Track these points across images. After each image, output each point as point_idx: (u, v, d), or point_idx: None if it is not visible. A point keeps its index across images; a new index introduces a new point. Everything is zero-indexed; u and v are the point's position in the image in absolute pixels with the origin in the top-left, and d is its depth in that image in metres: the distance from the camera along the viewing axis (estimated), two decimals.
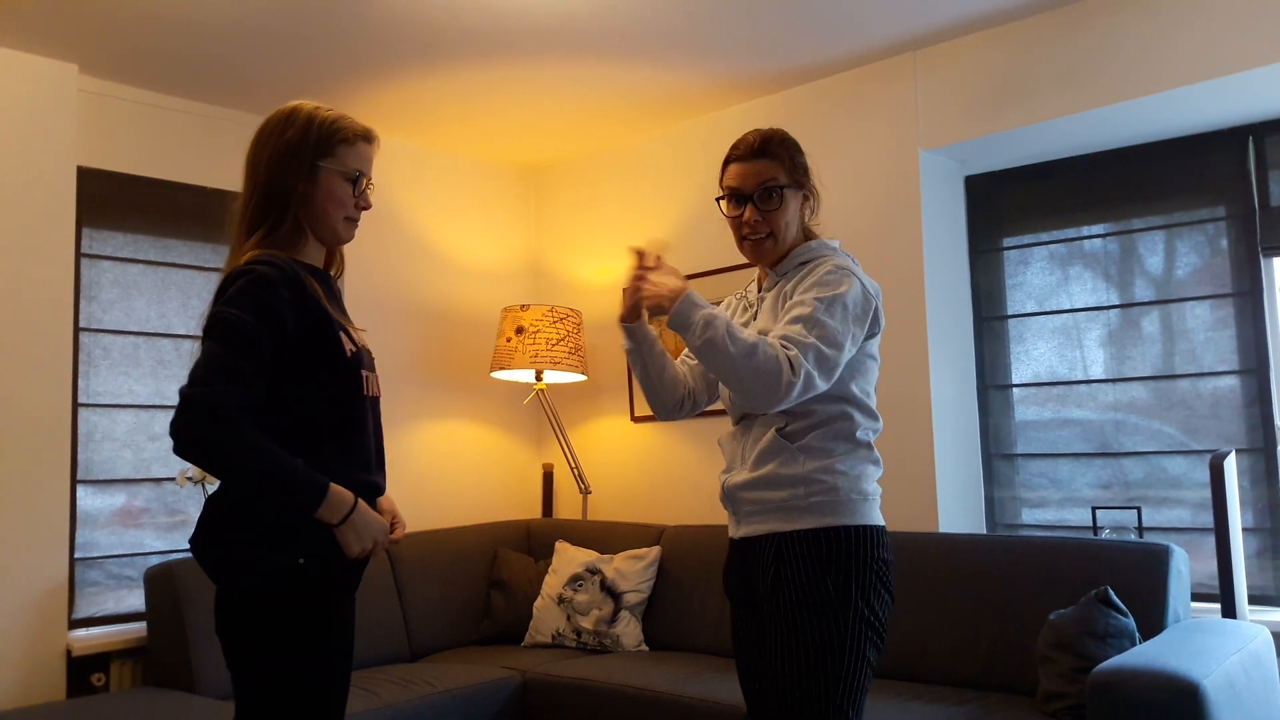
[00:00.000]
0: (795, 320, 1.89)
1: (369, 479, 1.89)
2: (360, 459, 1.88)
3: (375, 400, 1.94)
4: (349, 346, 1.86)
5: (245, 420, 1.66)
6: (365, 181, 1.93)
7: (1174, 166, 3.39)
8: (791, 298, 1.96)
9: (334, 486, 1.73)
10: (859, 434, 1.97)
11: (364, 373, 1.89)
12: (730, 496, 2.04)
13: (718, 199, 2.11)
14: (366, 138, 1.92)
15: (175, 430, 1.65)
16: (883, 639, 1.91)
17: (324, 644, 1.77)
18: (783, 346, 1.84)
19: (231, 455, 1.65)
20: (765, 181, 2.01)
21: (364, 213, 1.96)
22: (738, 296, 2.20)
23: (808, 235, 2.10)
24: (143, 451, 3.62)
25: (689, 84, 3.81)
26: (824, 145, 3.47)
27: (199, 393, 1.64)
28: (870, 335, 1.99)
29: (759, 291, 2.10)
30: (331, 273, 1.98)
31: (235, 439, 1.65)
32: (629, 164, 4.45)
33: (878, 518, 1.96)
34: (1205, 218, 3.34)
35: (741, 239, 2.07)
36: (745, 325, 2.09)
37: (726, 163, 2.08)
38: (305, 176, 1.85)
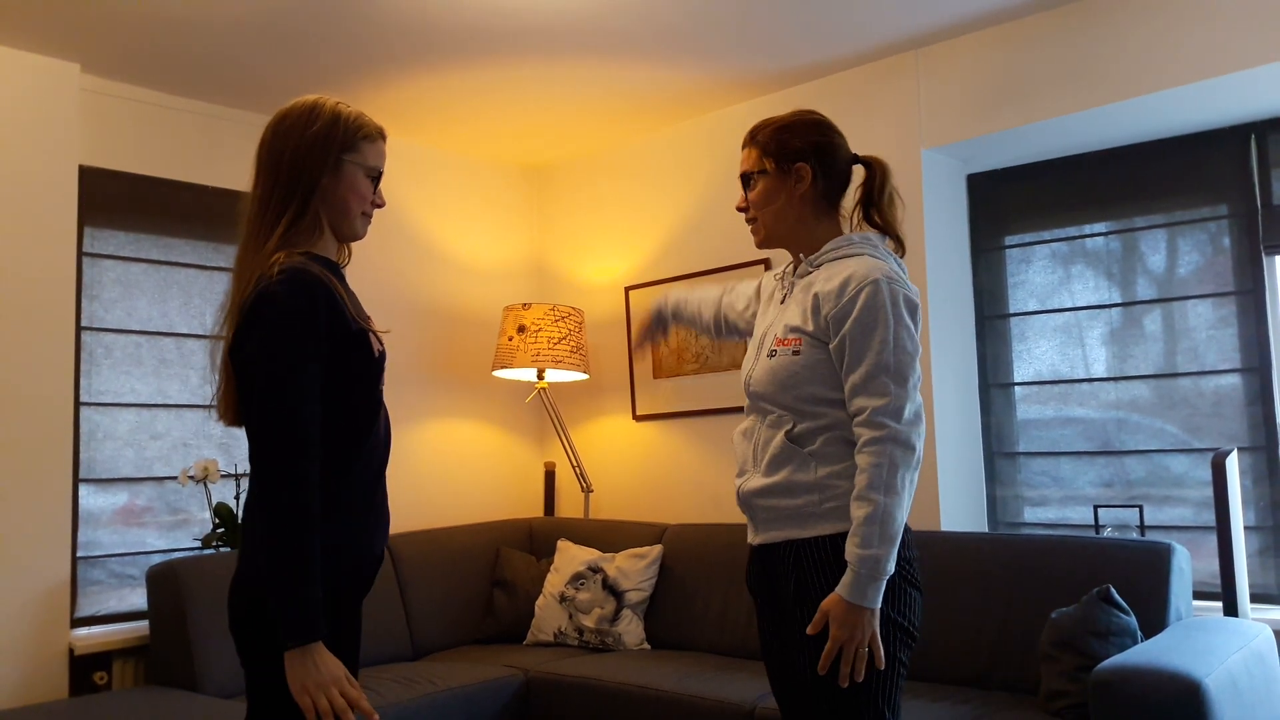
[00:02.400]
0: (871, 378, 1.85)
1: (378, 545, 1.88)
2: (377, 492, 1.87)
3: None
4: (376, 346, 1.85)
5: (315, 497, 1.67)
6: (380, 178, 1.93)
7: (1176, 165, 3.39)
8: (825, 302, 1.91)
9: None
10: None
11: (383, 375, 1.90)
12: (746, 504, 2.02)
13: None
14: (383, 135, 1.93)
15: (262, 495, 1.67)
16: (914, 637, 1.90)
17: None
18: (875, 428, 1.83)
19: (283, 530, 1.65)
20: (742, 170, 2.06)
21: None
22: (777, 276, 2.14)
23: (831, 216, 2.05)
24: (144, 450, 3.63)
25: (691, 83, 3.81)
26: None
27: (281, 470, 1.65)
28: None
29: (794, 274, 2.06)
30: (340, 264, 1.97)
31: (299, 520, 1.65)
32: (631, 163, 4.45)
33: None
34: (1207, 216, 3.34)
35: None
36: (778, 301, 2.07)
37: None
38: (330, 170, 1.84)
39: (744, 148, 2.07)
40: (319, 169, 1.82)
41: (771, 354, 1.97)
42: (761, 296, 2.19)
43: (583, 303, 4.51)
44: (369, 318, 1.89)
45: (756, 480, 1.98)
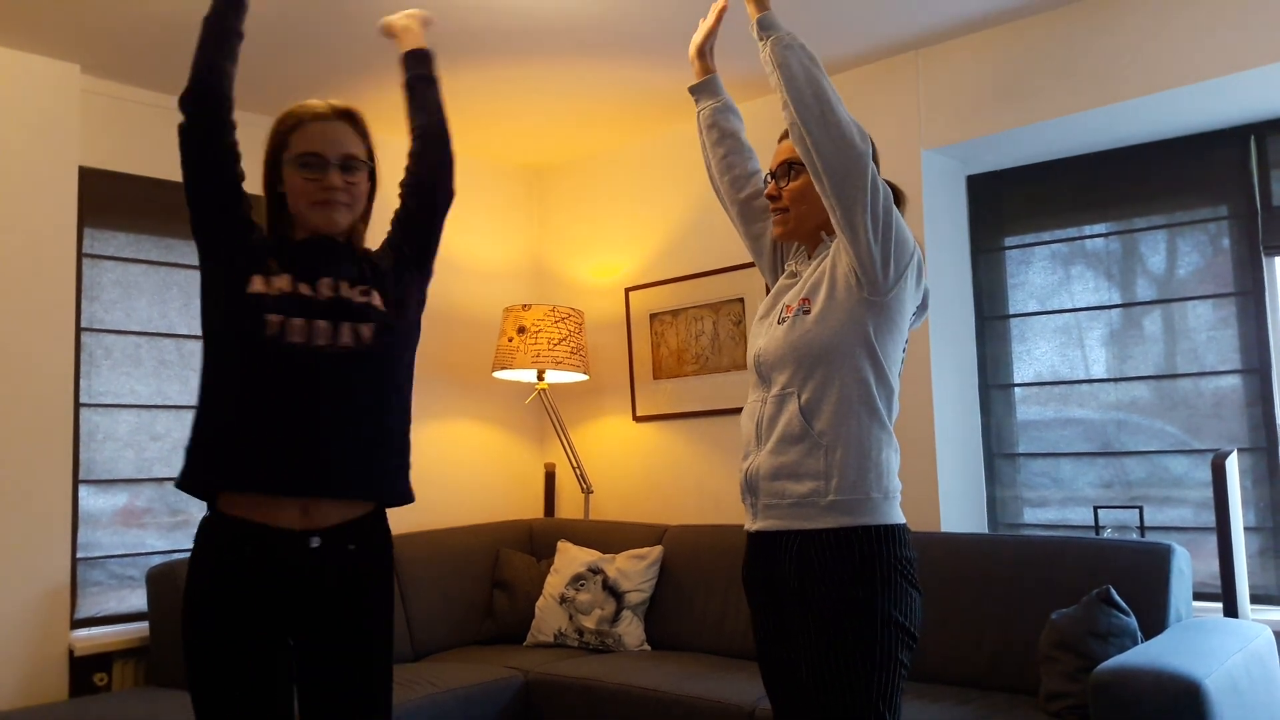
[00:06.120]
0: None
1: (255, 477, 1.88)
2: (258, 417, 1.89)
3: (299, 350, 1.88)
4: (258, 287, 1.87)
5: None
6: (326, 159, 1.90)
7: (1176, 166, 3.39)
8: (832, 269, 1.96)
9: None
10: (879, 404, 1.92)
11: (272, 317, 1.85)
12: (751, 486, 2.00)
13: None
14: (318, 116, 1.91)
15: None
16: (915, 639, 1.90)
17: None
18: None
19: None
20: (785, 158, 2.07)
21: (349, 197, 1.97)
22: (786, 274, 2.16)
23: None
24: (144, 451, 3.62)
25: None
26: None
27: None
28: (916, 299, 2.00)
29: (806, 259, 2.10)
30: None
31: None
32: (631, 164, 4.45)
33: (899, 515, 1.94)
34: (1207, 217, 3.34)
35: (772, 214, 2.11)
36: (785, 290, 2.10)
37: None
38: (281, 178, 1.93)
39: (783, 139, 2.09)
40: (274, 182, 1.94)
41: (782, 320, 2.00)
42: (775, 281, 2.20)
43: (583, 304, 4.51)
44: (292, 282, 1.88)
45: (762, 458, 1.97)
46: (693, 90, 2.35)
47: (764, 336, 2.05)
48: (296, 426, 1.84)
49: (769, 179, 2.10)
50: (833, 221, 1.92)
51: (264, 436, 1.83)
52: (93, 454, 3.51)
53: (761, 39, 1.96)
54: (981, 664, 2.98)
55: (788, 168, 2.05)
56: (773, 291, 2.16)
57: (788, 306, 2.01)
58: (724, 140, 2.26)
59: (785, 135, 2.10)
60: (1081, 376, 3.54)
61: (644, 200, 4.39)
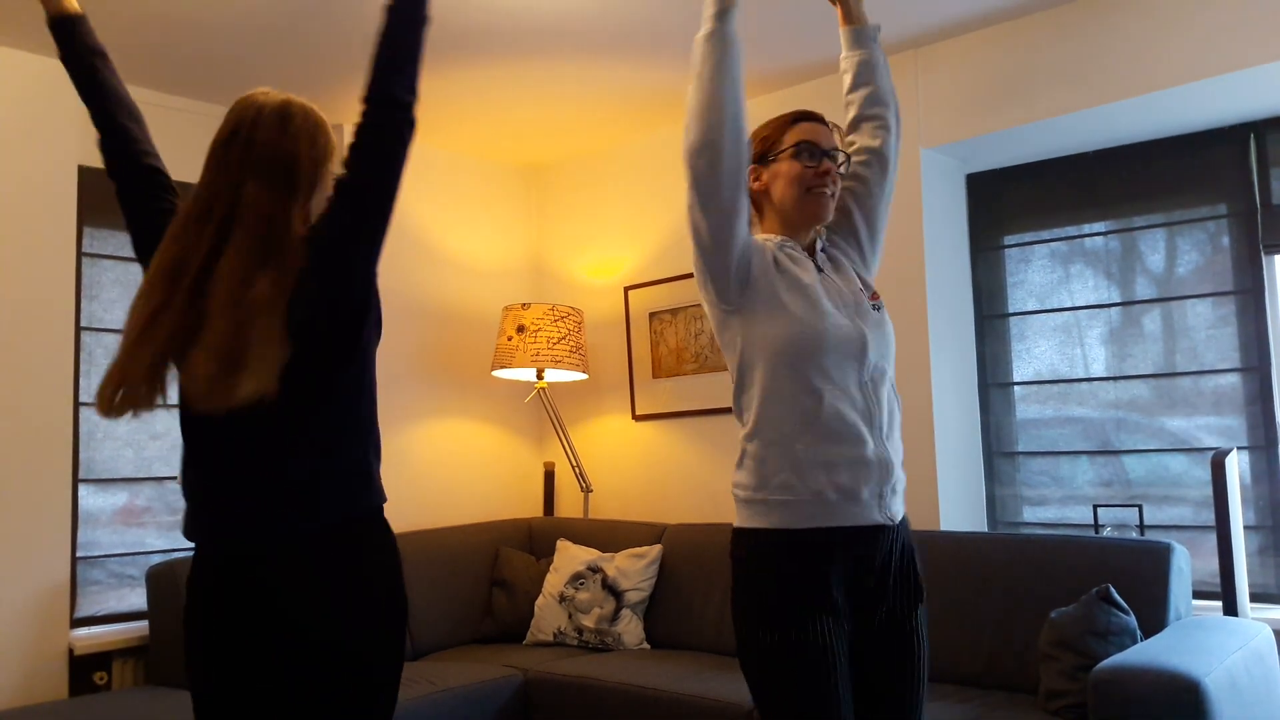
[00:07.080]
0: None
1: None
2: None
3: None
4: None
5: None
6: None
7: (1175, 164, 3.39)
8: (861, 247, 2.05)
9: None
10: None
11: None
12: (883, 466, 1.84)
13: (777, 153, 1.96)
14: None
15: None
16: None
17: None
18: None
19: None
20: (836, 147, 1.97)
21: None
22: (774, 244, 1.96)
23: None
24: (144, 450, 3.63)
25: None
26: None
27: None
28: None
29: (818, 252, 1.99)
30: None
31: None
32: (630, 163, 4.45)
33: None
34: (1206, 215, 3.34)
35: (808, 190, 1.93)
36: (813, 268, 1.97)
37: (795, 120, 1.98)
38: None
39: (826, 125, 1.98)
40: None
41: (877, 307, 1.95)
42: (772, 259, 1.97)
43: (582, 303, 4.51)
44: None
45: (887, 445, 1.87)
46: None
47: (850, 320, 1.88)
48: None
49: (828, 153, 1.95)
50: (872, 218, 2.03)
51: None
52: (92, 453, 3.51)
53: (875, 37, 2.07)
54: (980, 662, 2.98)
55: (834, 154, 1.97)
56: (797, 267, 1.92)
57: (872, 294, 1.97)
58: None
59: (825, 121, 1.99)
60: (1081, 375, 3.54)
61: (643, 199, 4.39)
